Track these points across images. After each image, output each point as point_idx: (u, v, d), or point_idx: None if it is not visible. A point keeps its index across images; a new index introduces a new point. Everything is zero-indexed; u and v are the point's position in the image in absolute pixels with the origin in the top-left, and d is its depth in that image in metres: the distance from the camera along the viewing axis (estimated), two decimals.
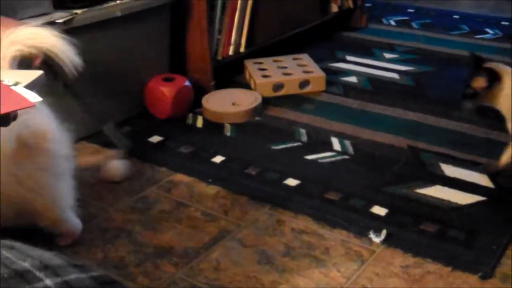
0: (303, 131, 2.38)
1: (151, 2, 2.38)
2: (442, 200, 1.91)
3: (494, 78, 1.89)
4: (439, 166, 2.10)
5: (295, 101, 2.66)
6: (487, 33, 3.52)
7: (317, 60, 2.95)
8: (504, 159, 1.99)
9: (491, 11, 3.98)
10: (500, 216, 1.83)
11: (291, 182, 2.03)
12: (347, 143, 2.28)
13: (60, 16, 2.08)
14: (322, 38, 3.42)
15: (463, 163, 2.11)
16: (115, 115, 2.42)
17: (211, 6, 2.61)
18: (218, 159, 2.18)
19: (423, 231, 1.76)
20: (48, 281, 0.56)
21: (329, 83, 2.78)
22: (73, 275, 0.58)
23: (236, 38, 2.77)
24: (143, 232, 1.79)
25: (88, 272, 0.60)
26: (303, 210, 1.88)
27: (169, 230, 1.81)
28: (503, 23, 3.70)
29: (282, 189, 1.99)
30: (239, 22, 2.76)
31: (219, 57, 2.72)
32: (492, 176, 2.01)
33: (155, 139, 2.33)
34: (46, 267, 0.58)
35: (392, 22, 3.77)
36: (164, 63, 2.57)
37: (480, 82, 1.90)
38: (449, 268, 1.62)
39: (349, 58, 3.15)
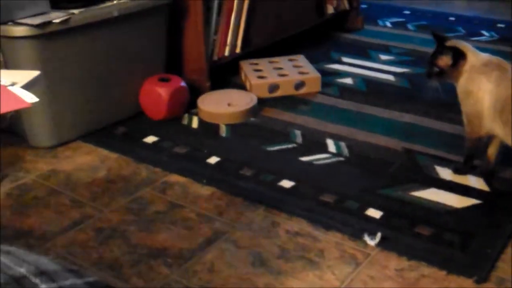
0: (298, 132, 2.38)
1: (148, 2, 2.37)
2: (437, 203, 1.91)
3: (459, 56, 1.90)
4: (434, 169, 2.10)
5: (291, 102, 2.66)
6: (483, 35, 3.53)
7: (313, 61, 2.95)
8: (490, 153, 2.00)
9: (487, 13, 3.99)
10: (495, 219, 1.83)
11: (286, 183, 2.03)
12: (342, 144, 2.28)
13: (57, 16, 2.08)
14: (318, 40, 3.42)
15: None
16: (111, 115, 2.42)
17: (207, 7, 2.61)
18: (213, 160, 2.18)
19: (418, 234, 1.76)
20: (44, 287, 0.56)
21: (324, 84, 2.78)
22: (69, 281, 0.58)
23: (232, 39, 2.76)
24: (138, 233, 1.79)
25: (84, 278, 0.60)
26: (297, 212, 1.88)
27: (164, 231, 1.80)
28: (499, 25, 3.71)
29: (277, 191, 1.99)
30: (235, 23, 2.75)
31: (215, 58, 2.72)
32: (487, 178, 2.01)
33: (151, 139, 2.33)
34: (42, 273, 0.57)
35: (388, 24, 3.78)
36: (161, 64, 2.57)
37: (445, 60, 1.91)
38: (444, 272, 1.62)
39: (344, 59, 3.15)
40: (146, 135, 2.35)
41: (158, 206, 1.93)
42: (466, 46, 1.95)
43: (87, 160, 2.19)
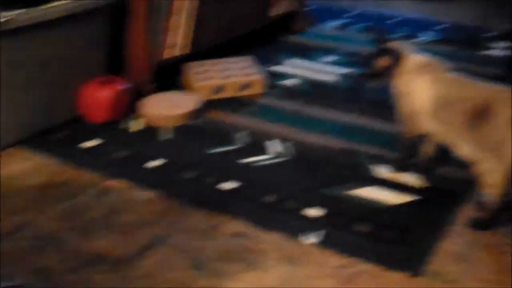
0: (242, 134, 2.38)
1: (90, 3, 2.34)
2: (376, 201, 1.94)
3: (397, 57, 1.94)
4: (373, 167, 2.13)
5: (235, 103, 2.66)
6: (423, 36, 3.60)
7: (259, 63, 2.96)
8: (426, 151, 2.04)
9: (429, 15, 4.07)
10: (431, 215, 1.87)
11: (228, 185, 2.02)
12: (285, 145, 2.30)
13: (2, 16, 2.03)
14: (264, 42, 3.43)
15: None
16: (50, 119, 2.37)
17: (153, 8, 2.58)
18: (154, 163, 2.16)
19: (357, 231, 1.79)
20: None
21: (269, 86, 2.79)
22: None
23: (178, 41, 2.74)
24: (75, 240, 1.76)
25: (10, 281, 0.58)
26: (239, 214, 1.88)
27: (102, 237, 1.77)
28: (437, 27, 3.79)
29: (219, 193, 1.99)
30: (182, 25, 2.73)
31: (161, 60, 2.70)
32: (424, 175, 2.05)
33: (90, 143, 2.29)
34: None
35: (333, 26, 3.82)
36: (104, 66, 2.53)
37: (383, 61, 1.95)
38: (382, 267, 1.64)
39: (290, 61, 3.17)
40: (86, 139, 2.31)
41: (96, 211, 1.90)
42: (404, 48, 1.99)
43: (25, 166, 2.14)
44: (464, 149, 1.80)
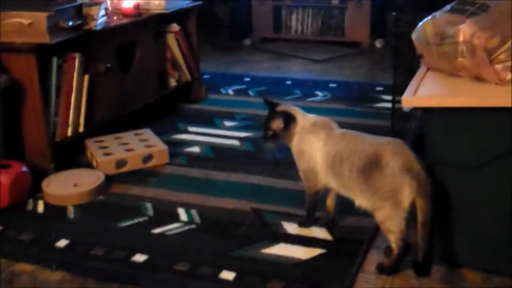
0: (149, 205, 2.39)
1: None
2: (286, 257, 1.99)
3: (290, 119, 2.04)
4: (281, 225, 2.20)
5: (140, 176, 2.67)
6: (317, 95, 3.79)
7: (159, 133, 3.00)
8: (329, 204, 2.15)
9: (320, 75, 4.30)
10: (340, 265, 1.94)
11: (139, 258, 2.02)
12: (193, 212, 2.32)
13: None
14: (163, 112, 3.48)
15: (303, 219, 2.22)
16: None
17: (45, 89, 2.58)
18: (62, 243, 2.12)
19: None
20: None
21: (172, 155, 2.83)
22: None
23: (74, 119, 2.73)
24: None
25: None
26: (152, 285, 1.87)
27: None
28: (331, 85, 4.00)
29: (130, 267, 1.97)
30: (76, 102, 2.73)
31: (58, 139, 2.67)
32: (329, 228, 2.14)
33: None
34: None
35: (230, 92, 3.94)
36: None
37: (277, 124, 2.05)
38: None
39: (191, 129, 3.23)
40: None
41: None
42: (295, 109, 2.10)
43: None
44: (362, 199, 1.91)
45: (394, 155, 1.83)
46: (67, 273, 1.95)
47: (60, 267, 1.98)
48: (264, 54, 5.01)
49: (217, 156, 2.87)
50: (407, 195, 1.80)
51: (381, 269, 1.90)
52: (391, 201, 1.82)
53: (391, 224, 1.85)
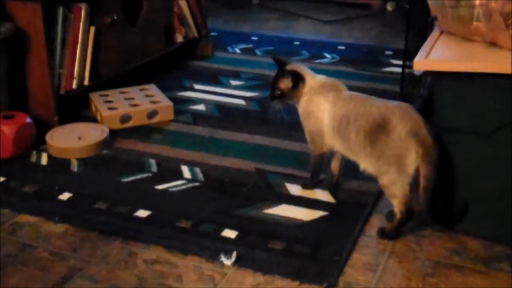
0: (152, 161, 2.38)
1: None
2: (288, 218, 1.99)
3: (298, 79, 2.02)
4: (285, 186, 2.19)
5: (144, 132, 2.66)
6: (325, 57, 3.74)
7: (165, 89, 2.97)
8: (333, 167, 2.14)
9: (329, 37, 4.24)
10: (341, 228, 1.94)
11: (142, 213, 2.02)
12: (197, 170, 2.32)
13: None
14: (169, 68, 3.45)
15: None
16: None
17: (51, 40, 2.55)
18: (65, 196, 2.12)
19: (271, 249, 1.83)
20: None
21: (177, 112, 2.81)
22: None
23: (79, 71, 2.71)
24: None
25: None
26: (154, 241, 1.88)
27: (16, 274, 1.72)
28: (339, 47, 3.95)
29: (133, 222, 1.98)
30: (82, 54, 2.71)
31: (63, 91, 2.65)
32: (332, 191, 2.14)
33: None
34: None
35: (237, 50, 3.89)
36: (4, 100, 2.46)
37: (285, 83, 2.03)
38: (297, 282, 1.69)
39: (196, 86, 3.21)
40: None
41: (8, 248, 1.84)
42: (304, 69, 2.07)
43: None
44: (367, 163, 1.90)
45: (402, 119, 1.81)
46: (70, 226, 1.96)
47: (63, 219, 1.98)
48: (273, 13, 4.94)
49: (223, 115, 2.86)
50: (412, 160, 1.79)
51: (383, 234, 1.90)
52: (396, 165, 1.81)
53: (395, 188, 1.84)
